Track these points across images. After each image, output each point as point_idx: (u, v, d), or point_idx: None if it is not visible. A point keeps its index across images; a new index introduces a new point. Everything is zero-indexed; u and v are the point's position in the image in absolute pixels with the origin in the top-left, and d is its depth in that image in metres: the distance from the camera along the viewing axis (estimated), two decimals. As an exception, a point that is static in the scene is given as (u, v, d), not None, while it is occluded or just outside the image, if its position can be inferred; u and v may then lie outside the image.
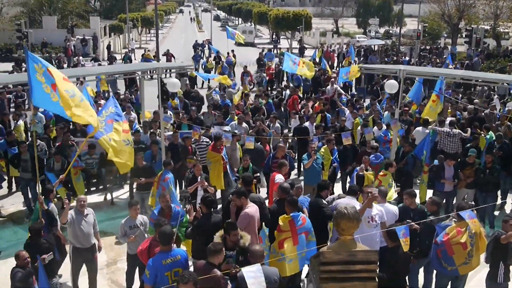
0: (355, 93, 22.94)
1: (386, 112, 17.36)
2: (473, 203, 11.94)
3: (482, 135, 14.33)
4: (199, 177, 11.28)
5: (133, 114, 17.18)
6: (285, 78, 29.53)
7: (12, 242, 11.22)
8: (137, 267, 8.93)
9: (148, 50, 38.43)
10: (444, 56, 37.78)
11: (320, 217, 8.78)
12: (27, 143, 13.79)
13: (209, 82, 28.92)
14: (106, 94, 22.69)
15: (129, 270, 9.18)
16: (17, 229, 12.04)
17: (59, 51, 39.98)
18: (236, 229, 7.60)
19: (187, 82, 25.10)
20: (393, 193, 11.16)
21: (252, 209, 8.46)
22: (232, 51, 35.63)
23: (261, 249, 6.94)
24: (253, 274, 6.10)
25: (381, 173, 11.63)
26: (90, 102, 16.33)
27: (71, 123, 15.29)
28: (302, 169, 13.76)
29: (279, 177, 10.72)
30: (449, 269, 8.27)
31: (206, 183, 11.24)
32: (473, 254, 8.19)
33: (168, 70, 23.72)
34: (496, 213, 12.64)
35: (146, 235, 9.01)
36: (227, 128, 14.88)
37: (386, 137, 14.75)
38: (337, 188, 13.49)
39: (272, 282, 6.65)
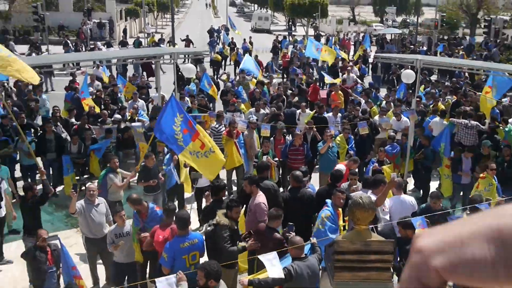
0: (372, 82, 22.76)
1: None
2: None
3: (501, 127, 14.20)
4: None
5: (140, 101, 17.07)
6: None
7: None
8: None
9: (153, 36, 38.52)
10: (462, 47, 37.37)
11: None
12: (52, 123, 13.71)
13: (224, 69, 28.97)
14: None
15: (114, 277, 8.75)
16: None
17: (75, 34, 40.11)
18: (238, 206, 7.73)
19: (205, 68, 25.15)
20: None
21: (262, 197, 8.46)
22: (250, 37, 35.57)
23: (301, 240, 6.91)
24: (270, 262, 6.18)
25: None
26: (85, 91, 16.56)
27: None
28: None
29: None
30: None
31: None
32: None
33: (185, 56, 23.71)
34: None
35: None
36: (242, 115, 14.92)
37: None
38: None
39: (316, 273, 6.78)
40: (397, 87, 21.77)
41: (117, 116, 15.00)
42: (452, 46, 38.04)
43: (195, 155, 9.43)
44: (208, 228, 7.56)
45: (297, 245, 6.78)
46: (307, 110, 16.01)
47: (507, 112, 15.97)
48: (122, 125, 14.30)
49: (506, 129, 14.21)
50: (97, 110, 15.80)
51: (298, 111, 16.05)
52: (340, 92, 18.32)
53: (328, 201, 7.97)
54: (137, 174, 10.89)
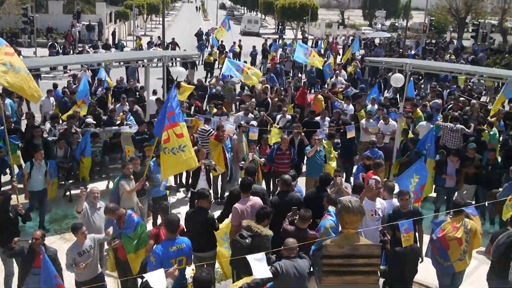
0: (363, 86, 22.86)
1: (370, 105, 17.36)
2: (473, 201, 12.02)
3: (486, 131, 14.32)
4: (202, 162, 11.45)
5: (128, 105, 16.98)
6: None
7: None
8: None
9: (140, 39, 38.48)
10: (450, 51, 37.65)
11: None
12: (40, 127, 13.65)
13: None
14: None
15: None
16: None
17: (63, 37, 39.91)
18: (269, 218, 7.78)
19: (194, 71, 25.19)
20: None
21: (242, 204, 8.44)
22: (240, 41, 35.61)
23: (294, 241, 6.94)
24: (257, 262, 6.19)
25: None
26: (86, 90, 16.39)
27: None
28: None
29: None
30: (445, 265, 8.27)
31: (213, 163, 11.77)
32: (468, 251, 8.23)
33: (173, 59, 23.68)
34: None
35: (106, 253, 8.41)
36: (231, 119, 14.92)
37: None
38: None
39: (305, 276, 6.78)
40: (386, 90, 21.95)
41: (89, 120, 14.96)
42: (440, 50, 38.33)
43: (163, 150, 9.39)
44: (247, 241, 7.39)
45: (290, 247, 6.83)
46: (288, 115, 15.92)
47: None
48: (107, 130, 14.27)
49: (491, 132, 14.34)
50: (83, 113, 15.66)
51: (278, 116, 16.06)
52: (321, 98, 18.36)
53: (331, 209, 7.97)
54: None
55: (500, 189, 11.22)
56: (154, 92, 17.82)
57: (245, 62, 28.19)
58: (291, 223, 7.90)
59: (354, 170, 13.59)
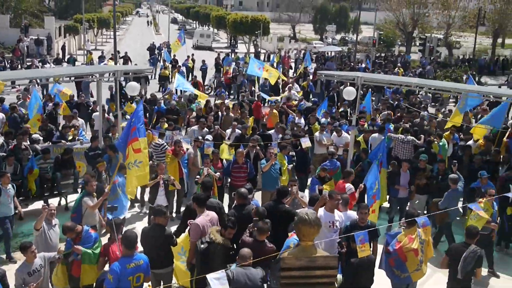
0: (316, 99, 23.17)
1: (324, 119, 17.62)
2: (425, 211, 12.33)
3: (436, 142, 14.72)
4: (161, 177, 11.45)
5: (80, 120, 16.74)
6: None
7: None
8: None
9: (110, 59, 38.03)
10: (398, 64, 38.61)
11: (282, 221, 8.83)
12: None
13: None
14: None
15: None
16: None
17: (11, 51, 38.96)
18: (234, 228, 7.78)
19: (147, 86, 24.96)
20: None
21: (202, 219, 8.43)
22: (192, 55, 35.59)
23: (249, 252, 7.01)
24: (217, 280, 6.15)
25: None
26: (39, 104, 16.10)
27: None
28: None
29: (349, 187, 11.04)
30: (402, 276, 8.40)
31: (172, 178, 11.69)
32: (424, 261, 8.41)
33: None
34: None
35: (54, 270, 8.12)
36: (183, 133, 14.86)
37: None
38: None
39: (258, 285, 6.76)
40: (339, 104, 22.26)
41: (35, 135, 14.62)
42: (389, 63, 39.27)
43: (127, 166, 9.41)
44: (202, 246, 7.54)
45: (243, 255, 6.90)
46: (237, 130, 15.92)
47: (441, 127, 16.55)
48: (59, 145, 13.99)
49: (441, 143, 14.75)
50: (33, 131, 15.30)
51: (228, 130, 15.97)
52: (275, 113, 18.53)
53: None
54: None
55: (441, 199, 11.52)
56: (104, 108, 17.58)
57: (195, 76, 28.32)
58: (250, 235, 7.92)
59: (308, 182, 13.73)
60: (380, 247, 8.85)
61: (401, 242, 8.28)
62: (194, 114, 18.18)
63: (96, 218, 10.10)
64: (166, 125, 16.27)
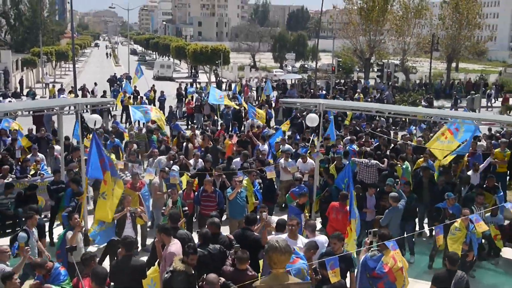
0: (278, 126, 23.31)
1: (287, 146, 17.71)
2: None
3: (399, 165, 14.97)
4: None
5: (40, 155, 16.34)
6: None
7: None
8: None
9: (54, 87, 37.71)
10: (358, 90, 39.30)
11: (251, 250, 8.75)
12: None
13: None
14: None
15: None
16: None
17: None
18: (195, 253, 7.72)
19: (110, 117, 24.70)
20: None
21: (176, 246, 8.43)
22: (153, 85, 35.57)
23: (216, 277, 7.12)
24: None
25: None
26: None
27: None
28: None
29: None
30: None
31: (139, 210, 11.63)
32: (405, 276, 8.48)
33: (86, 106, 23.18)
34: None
35: None
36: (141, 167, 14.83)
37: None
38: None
39: None
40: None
41: None
42: (349, 89, 39.97)
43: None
44: (166, 275, 7.54)
45: (211, 281, 7.01)
46: (200, 160, 15.72)
47: (403, 151, 16.86)
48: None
49: (404, 166, 15.01)
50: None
51: (191, 160, 15.93)
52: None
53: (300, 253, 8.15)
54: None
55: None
56: (67, 138, 17.27)
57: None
58: (232, 265, 7.95)
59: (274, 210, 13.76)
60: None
61: (388, 263, 8.28)
62: (164, 146, 17.85)
63: (81, 252, 9.68)
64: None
